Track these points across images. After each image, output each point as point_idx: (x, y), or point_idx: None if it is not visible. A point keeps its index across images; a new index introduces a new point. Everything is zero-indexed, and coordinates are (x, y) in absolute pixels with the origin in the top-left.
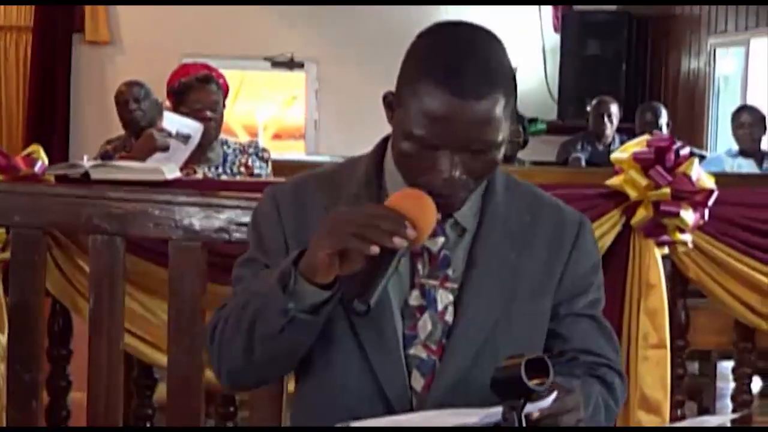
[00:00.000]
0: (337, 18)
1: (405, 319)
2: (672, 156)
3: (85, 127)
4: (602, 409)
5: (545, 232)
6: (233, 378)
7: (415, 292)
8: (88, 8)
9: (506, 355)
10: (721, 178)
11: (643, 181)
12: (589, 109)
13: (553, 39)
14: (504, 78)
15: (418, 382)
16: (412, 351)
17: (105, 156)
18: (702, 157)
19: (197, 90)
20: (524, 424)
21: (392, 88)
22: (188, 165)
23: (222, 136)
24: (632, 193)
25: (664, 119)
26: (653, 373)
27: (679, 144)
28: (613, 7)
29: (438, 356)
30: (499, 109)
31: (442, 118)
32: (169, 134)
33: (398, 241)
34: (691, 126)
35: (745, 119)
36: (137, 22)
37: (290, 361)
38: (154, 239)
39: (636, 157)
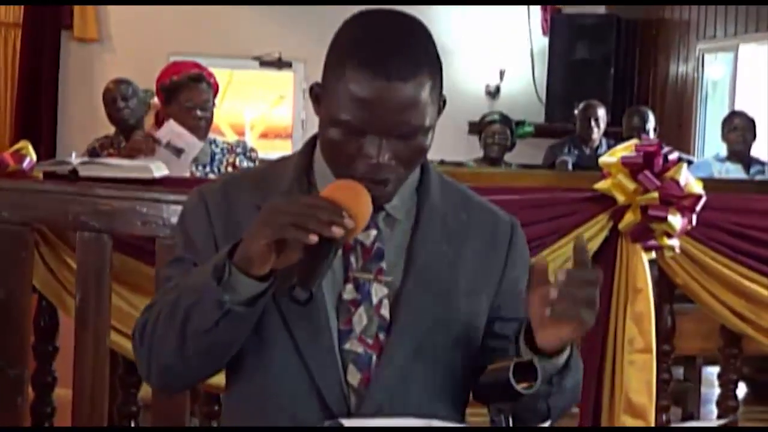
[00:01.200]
0: (325, 18)
1: (339, 314)
2: (660, 161)
3: (72, 123)
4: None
5: (480, 232)
6: (164, 378)
7: (349, 286)
8: (77, 6)
9: (444, 352)
10: (708, 183)
11: (632, 186)
12: (576, 112)
13: (542, 42)
14: (429, 61)
15: (354, 377)
16: (347, 346)
17: (92, 153)
18: (689, 162)
19: (188, 88)
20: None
21: None
22: None
23: (210, 135)
24: (620, 197)
25: (651, 124)
26: (639, 378)
27: (667, 149)
28: (601, 11)
29: (375, 351)
30: (425, 93)
31: (368, 101)
32: (159, 143)
33: (337, 230)
34: (678, 131)
35: (737, 123)
36: (126, 20)
37: (223, 357)
38: (142, 237)
39: (624, 162)
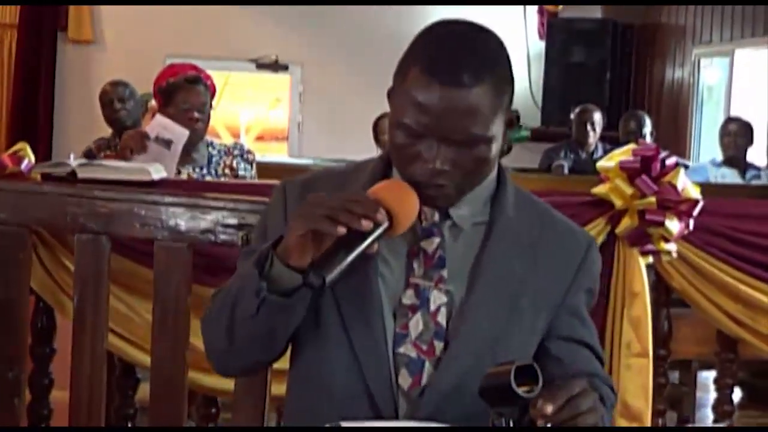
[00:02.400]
0: (323, 21)
1: (397, 318)
2: (658, 165)
3: (68, 125)
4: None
5: (552, 250)
6: (220, 362)
7: (409, 292)
8: (72, 7)
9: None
10: (704, 187)
11: (629, 190)
12: (572, 116)
13: (538, 46)
14: (497, 74)
15: (405, 380)
16: (401, 349)
17: (88, 154)
18: (685, 167)
19: (185, 90)
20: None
21: (375, 91)
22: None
23: (207, 137)
24: (618, 202)
25: (648, 128)
26: (635, 382)
27: (665, 153)
28: (598, 15)
29: (428, 357)
30: (485, 102)
31: (427, 105)
32: (147, 137)
33: (366, 224)
34: (674, 135)
35: (733, 128)
36: (121, 22)
37: (271, 344)
38: (140, 239)
39: (622, 166)
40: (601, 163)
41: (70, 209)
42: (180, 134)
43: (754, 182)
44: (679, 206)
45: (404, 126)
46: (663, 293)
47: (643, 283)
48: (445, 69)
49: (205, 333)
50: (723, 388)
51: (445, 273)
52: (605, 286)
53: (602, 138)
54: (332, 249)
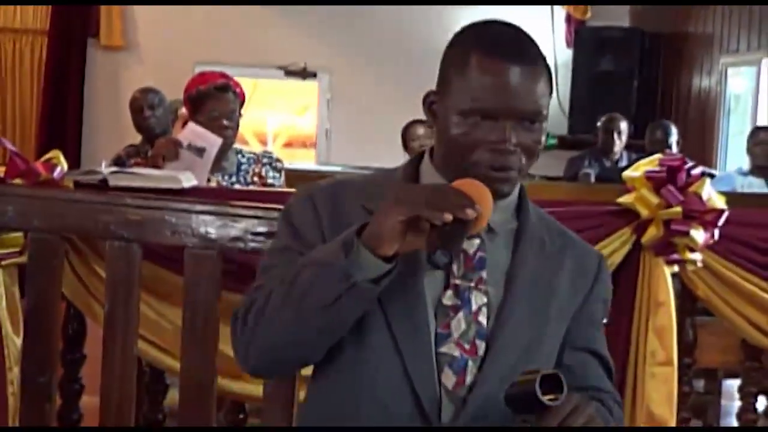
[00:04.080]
0: (351, 29)
1: (438, 317)
2: (684, 175)
3: (97, 132)
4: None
5: (572, 260)
6: (264, 359)
7: (449, 292)
8: (103, 13)
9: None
10: (731, 197)
11: (655, 200)
12: (599, 125)
13: (566, 54)
14: (544, 60)
15: (449, 379)
16: (443, 349)
17: (118, 162)
18: (712, 176)
19: (214, 98)
20: None
21: (404, 98)
22: None
23: (236, 145)
24: (643, 212)
25: (674, 137)
26: (660, 391)
27: (691, 164)
28: (626, 24)
29: (471, 356)
30: (545, 79)
31: (499, 83)
32: (180, 145)
33: (470, 213)
34: (701, 144)
35: (762, 137)
36: (152, 29)
37: (332, 339)
38: (170, 246)
39: (648, 176)
40: (628, 173)
41: (101, 217)
42: (213, 142)
43: None
44: (705, 216)
45: (473, 111)
46: (688, 302)
47: (668, 292)
48: (509, 49)
49: (251, 332)
50: (747, 396)
51: (484, 274)
52: (631, 295)
53: (628, 147)
54: (441, 234)
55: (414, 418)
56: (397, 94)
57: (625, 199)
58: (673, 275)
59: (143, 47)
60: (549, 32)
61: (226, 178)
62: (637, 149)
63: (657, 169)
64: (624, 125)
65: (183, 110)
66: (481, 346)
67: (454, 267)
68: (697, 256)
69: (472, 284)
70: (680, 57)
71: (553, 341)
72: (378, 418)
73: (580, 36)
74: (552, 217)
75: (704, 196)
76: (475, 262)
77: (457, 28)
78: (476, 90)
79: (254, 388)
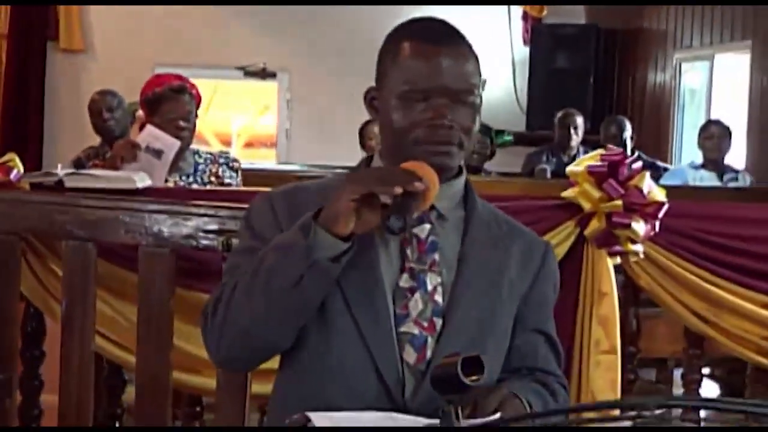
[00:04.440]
0: (310, 29)
1: (396, 300)
2: (625, 170)
3: (58, 134)
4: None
5: (519, 244)
6: (234, 349)
7: (405, 275)
8: (62, 16)
9: (492, 348)
10: (682, 190)
11: (597, 194)
12: (555, 121)
13: (523, 52)
14: (471, 49)
15: (411, 356)
16: (403, 328)
17: (77, 163)
18: (665, 170)
19: (171, 100)
20: (461, 418)
21: (362, 98)
22: None
23: (194, 145)
24: (586, 205)
25: (628, 132)
26: (605, 378)
27: (632, 158)
28: (581, 21)
29: (430, 332)
30: (472, 56)
31: (430, 63)
32: (138, 147)
33: (419, 185)
34: (656, 138)
35: (713, 131)
36: (111, 31)
37: (299, 322)
38: (125, 245)
39: (590, 171)
40: (571, 168)
41: (57, 217)
42: (171, 145)
43: (732, 184)
44: (645, 209)
45: (409, 94)
46: (631, 293)
47: (611, 283)
48: (436, 33)
49: (221, 323)
50: (690, 383)
51: (437, 257)
52: (575, 286)
53: (584, 142)
54: (392, 207)
55: (380, 396)
56: (355, 93)
57: (568, 193)
58: (617, 267)
59: (103, 50)
60: (506, 30)
61: (184, 178)
62: (594, 144)
63: (599, 164)
64: (580, 120)
65: (140, 112)
66: (438, 322)
67: (408, 251)
68: (638, 248)
69: (426, 267)
70: (635, 53)
71: (505, 319)
72: (345, 399)
73: (536, 34)
74: (498, 210)
75: (645, 190)
76: (428, 246)
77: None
78: (409, 73)
79: (211, 382)
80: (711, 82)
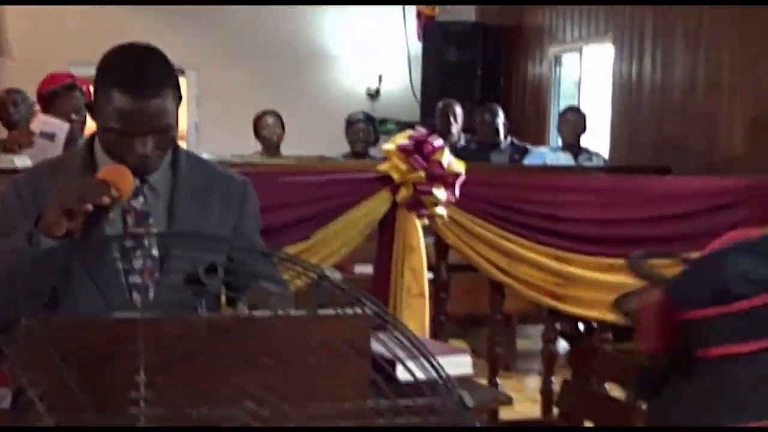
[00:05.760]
0: (217, 27)
1: (123, 258)
2: (429, 147)
3: None
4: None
5: (219, 190)
6: None
7: (128, 240)
8: None
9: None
10: (537, 169)
11: (404, 167)
12: (436, 111)
13: (417, 47)
14: (169, 76)
15: (137, 300)
16: (131, 280)
17: None
18: (527, 150)
19: (63, 96)
20: (203, 305)
21: (266, 92)
22: None
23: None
24: (396, 176)
25: (500, 118)
26: (416, 319)
27: (434, 137)
28: (471, 19)
29: (151, 281)
30: (170, 101)
31: (129, 114)
32: (32, 134)
33: (105, 199)
34: (537, 124)
35: (569, 117)
36: (27, 33)
37: (39, 300)
38: None
39: (399, 148)
40: (385, 146)
41: None
42: (61, 126)
43: (585, 164)
44: (446, 178)
45: (114, 130)
46: (442, 249)
47: (419, 239)
48: (139, 87)
49: None
50: (494, 324)
51: (151, 221)
52: (389, 242)
53: (465, 129)
54: (88, 219)
55: None
56: (260, 88)
57: (382, 166)
58: (428, 227)
59: (18, 48)
60: (401, 27)
61: None
62: (474, 131)
63: (407, 142)
64: (459, 109)
65: (38, 107)
66: (156, 270)
67: (129, 220)
68: (442, 210)
69: (143, 230)
70: (518, 48)
71: (216, 256)
72: None
73: (429, 30)
74: (206, 159)
75: (445, 163)
76: (142, 214)
77: (318, 28)
78: (114, 117)
79: None
80: (581, 73)
